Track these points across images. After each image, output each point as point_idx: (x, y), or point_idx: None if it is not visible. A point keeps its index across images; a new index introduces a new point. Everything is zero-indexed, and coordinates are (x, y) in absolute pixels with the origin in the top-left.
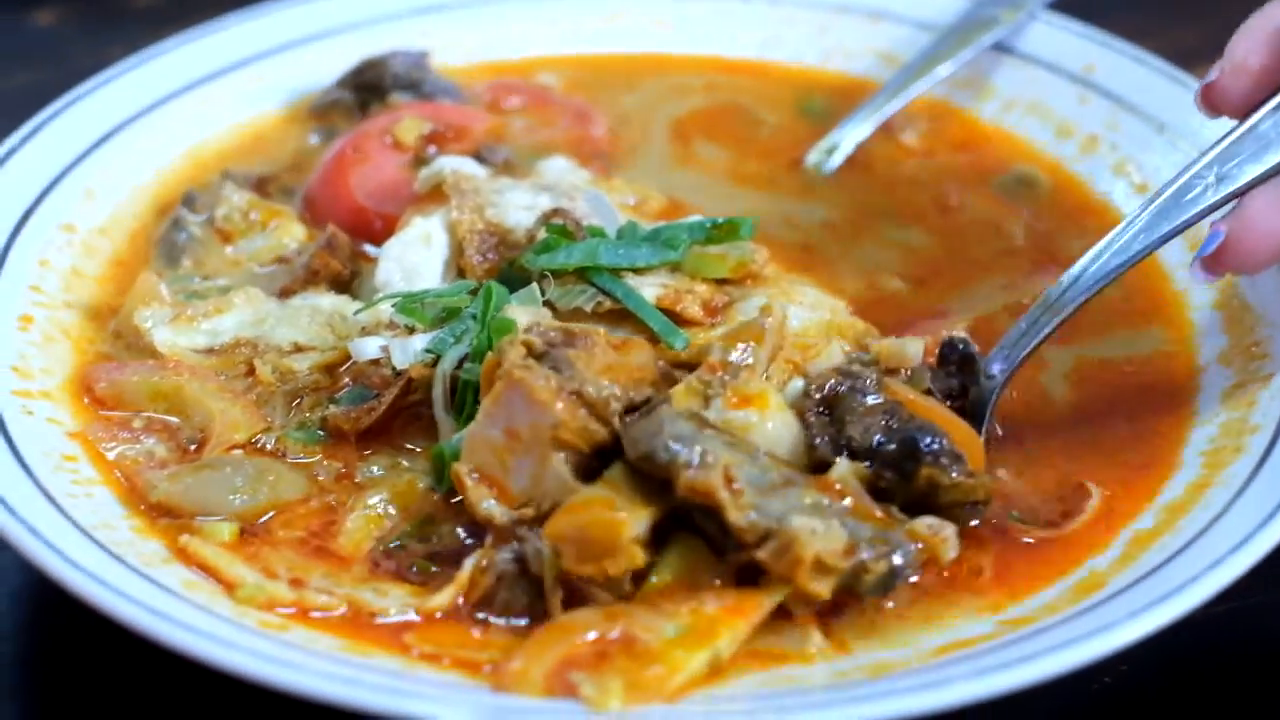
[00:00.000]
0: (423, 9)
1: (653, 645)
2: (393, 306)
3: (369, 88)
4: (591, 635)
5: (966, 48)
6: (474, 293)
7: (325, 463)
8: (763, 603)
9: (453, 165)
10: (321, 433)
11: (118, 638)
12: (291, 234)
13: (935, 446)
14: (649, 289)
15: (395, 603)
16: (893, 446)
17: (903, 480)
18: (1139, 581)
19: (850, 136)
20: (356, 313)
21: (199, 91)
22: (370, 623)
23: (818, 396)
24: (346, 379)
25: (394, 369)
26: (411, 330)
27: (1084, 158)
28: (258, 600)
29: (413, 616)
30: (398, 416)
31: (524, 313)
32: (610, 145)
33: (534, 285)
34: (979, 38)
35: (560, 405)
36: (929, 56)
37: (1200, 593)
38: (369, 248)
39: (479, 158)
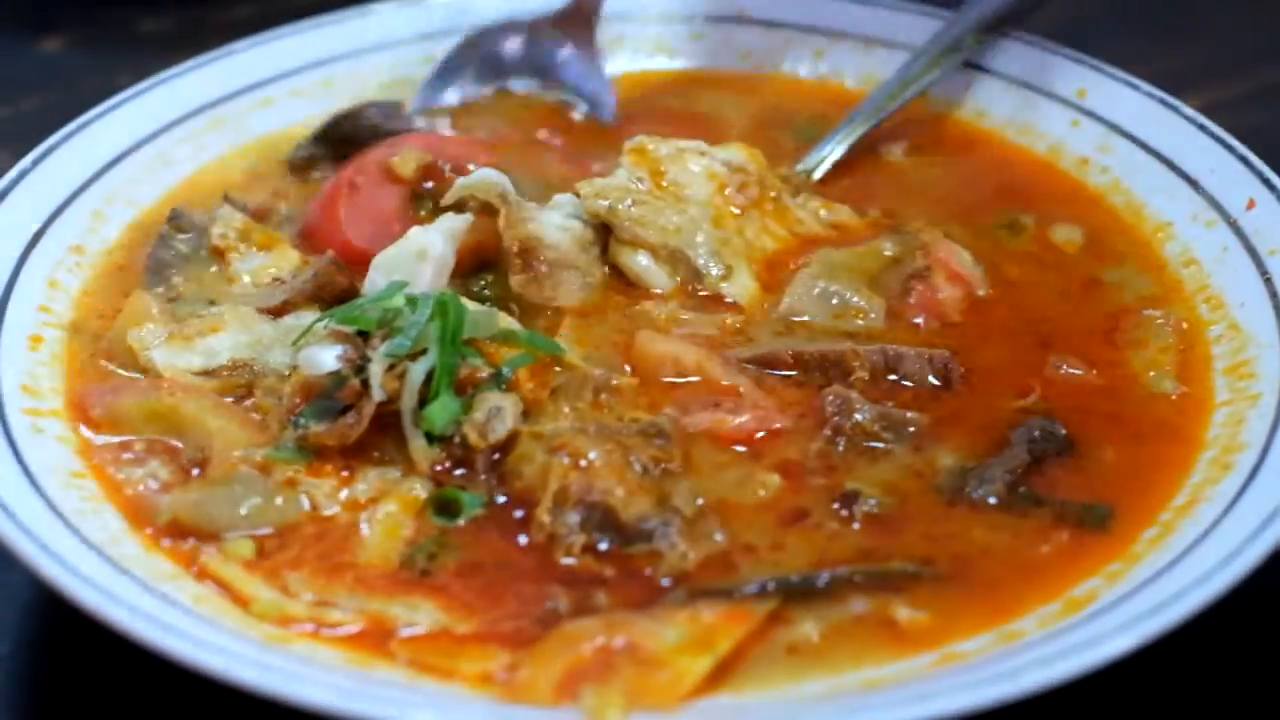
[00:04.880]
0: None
1: (657, 652)
2: (333, 320)
3: (346, 140)
4: (596, 643)
5: (935, 70)
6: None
7: (318, 481)
8: (758, 611)
9: (492, 177)
10: (302, 450)
11: (126, 653)
12: (287, 259)
13: None
14: None
15: (427, 618)
16: None
17: None
18: (1130, 595)
19: (827, 159)
20: (295, 341)
21: (205, 115)
22: (386, 636)
23: None
24: (297, 397)
25: (362, 381)
26: (365, 338)
27: (1076, 178)
28: (272, 616)
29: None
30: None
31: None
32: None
33: (494, 310)
34: (947, 61)
35: None
36: (901, 81)
37: (1189, 605)
38: None
39: None
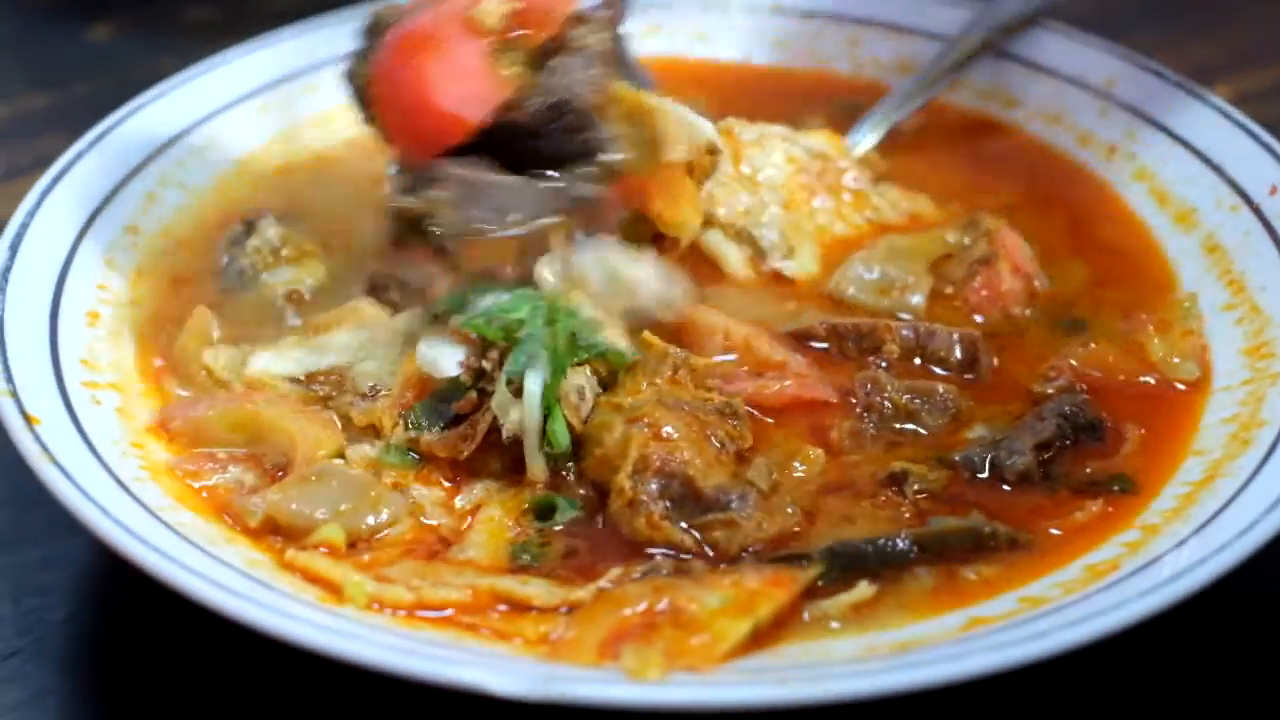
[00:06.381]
0: None
1: (698, 615)
2: (460, 323)
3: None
4: (640, 606)
5: (968, 59)
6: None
7: (425, 489)
8: (800, 577)
9: (707, 129)
10: (414, 456)
11: (182, 617)
12: (312, 272)
13: None
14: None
15: (540, 591)
16: None
17: None
18: (1151, 563)
19: (860, 144)
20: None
21: (252, 101)
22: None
23: None
24: (409, 391)
25: (478, 390)
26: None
27: (1104, 164)
28: (365, 601)
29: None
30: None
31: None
32: None
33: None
34: (979, 50)
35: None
36: (933, 69)
37: (1209, 572)
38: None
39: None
